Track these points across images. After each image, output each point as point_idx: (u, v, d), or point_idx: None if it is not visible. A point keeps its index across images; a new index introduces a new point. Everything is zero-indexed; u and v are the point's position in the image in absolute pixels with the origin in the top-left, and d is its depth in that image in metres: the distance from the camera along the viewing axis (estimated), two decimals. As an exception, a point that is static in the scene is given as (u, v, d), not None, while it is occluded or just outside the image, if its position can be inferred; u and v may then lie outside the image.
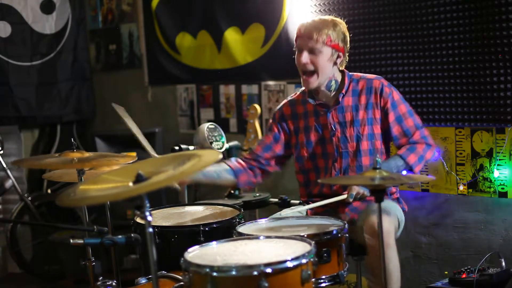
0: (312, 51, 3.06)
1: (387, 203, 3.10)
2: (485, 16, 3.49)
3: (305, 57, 3.07)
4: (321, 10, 4.14)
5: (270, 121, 3.36)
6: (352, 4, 4.00)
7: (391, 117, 3.11)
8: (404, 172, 3.07)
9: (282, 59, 4.57)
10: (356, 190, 3.01)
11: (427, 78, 3.77)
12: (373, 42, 3.93)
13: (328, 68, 3.09)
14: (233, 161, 3.30)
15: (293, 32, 4.45)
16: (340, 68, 3.18)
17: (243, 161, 3.31)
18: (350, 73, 3.20)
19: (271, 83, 4.72)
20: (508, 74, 3.45)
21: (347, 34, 3.13)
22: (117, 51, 5.87)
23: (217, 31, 4.95)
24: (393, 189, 3.25)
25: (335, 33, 3.07)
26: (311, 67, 3.07)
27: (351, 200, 3.01)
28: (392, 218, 2.97)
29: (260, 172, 3.31)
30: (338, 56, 3.10)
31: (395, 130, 3.12)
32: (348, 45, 3.15)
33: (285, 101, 3.36)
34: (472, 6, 3.54)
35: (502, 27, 3.43)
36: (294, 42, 3.17)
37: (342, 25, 3.12)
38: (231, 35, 4.87)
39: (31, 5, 5.53)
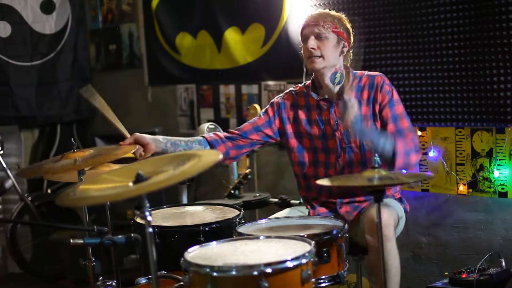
0: (318, 37, 3.09)
1: (388, 200, 3.11)
2: (485, 16, 3.49)
3: (312, 42, 3.09)
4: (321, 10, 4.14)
5: (268, 106, 3.32)
6: (352, 4, 4.01)
7: (386, 114, 3.08)
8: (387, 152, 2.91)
9: (282, 59, 4.58)
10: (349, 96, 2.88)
11: (427, 78, 3.77)
12: (373, 42, 3.93)
13: (334, 55, 3.11)
14: (210, 134, 3.26)
15: (293, 32, 4.47)
16: (346, 63, 3.19)
17: (223, 133, 3.27)
18: (354, 71, 3.21)
19: (271, 83, 4.72)
20: (508, 74, 3.45)
21: (350, 30, 3.17)
22: (117, 51, 5.87)
23: (217, 31, 4.96)
24: (398, 188, 3.24)
25: (340, 23, 3.12)
26: (317, 53, 3.08)
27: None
28: (391, 211, 2.98)
29: (241, 147, 3.25)
30: (344, 46, 3.13)
31: (389, 128, 3.07)
32: (352, 41, 3.18)
33: (287, 91, 3.36)
34: (472, 6, 3.54)
35: (502, 27, 3.43)
36: (300, 36, 3.18)
37: (345, 20, 3.18)
38: (231, 35, 4.87)
39: (31, 5, 5.53)
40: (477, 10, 3.53)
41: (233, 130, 3.28)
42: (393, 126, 3.07)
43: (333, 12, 3.17)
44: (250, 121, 3.33)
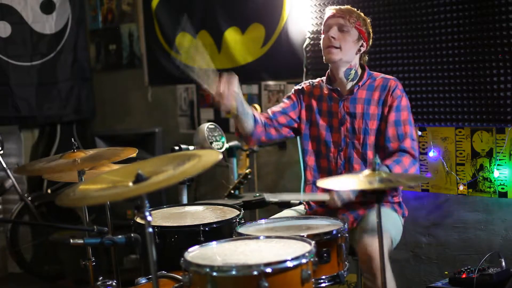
0: (341, 28, 3.15)
1: (382, 216, 3.01)
2: (485, 16, 3.49)
3: (334, 31, 3.15)
4: (321, 10, 4.14)
5: (290, 93, 3.38)
6: (352, 5, 3.99)
7: (391, 118, 3.12)
8: None
9: (282, 59, 4.58)
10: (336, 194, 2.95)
11: (427, 78, 3.77)
12: (373, 42, 3.92)
13: (352, 51, 3.16)
14: (256, 112, 3.32)
15: (293, 32, 4.47)
16: (362, 62, 3.24)
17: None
18: (371, 71, 3.23)
19: (271, 83, 4.72)
20: (508, 74, 3.45)
21: (371, 34, 3.24)
22: (117, 51, 5.87)
23: (217, 31, 4.95)
24: (395, 192, 3.22)
25: (364, 23, 3.19)
26: (337, 43, 3.14)
27: (336, 199, 2.96)
28: (384, 239, 2.81)
29: (272, 132, 3.29)
30: (362, 45, 3.19)
31: (390, 131, 3.12)
32: (370, 43, 3.24)
33: (306, 82, 3.41)
34: (472, 6, 3.55)
35: (502, 27, 3.43)
36: (323, 26, 3.22)
37: (369, 24, 3.24)
38: (231, 35, 4.87)
39: (31, 5, 5.53)
40: (477, 10, 3.53)
41: (263, 113, 3.33)
42: (393, 130, 3.12)
43: (359, 12, 3.22)
44: (275, 105, 3.39)
